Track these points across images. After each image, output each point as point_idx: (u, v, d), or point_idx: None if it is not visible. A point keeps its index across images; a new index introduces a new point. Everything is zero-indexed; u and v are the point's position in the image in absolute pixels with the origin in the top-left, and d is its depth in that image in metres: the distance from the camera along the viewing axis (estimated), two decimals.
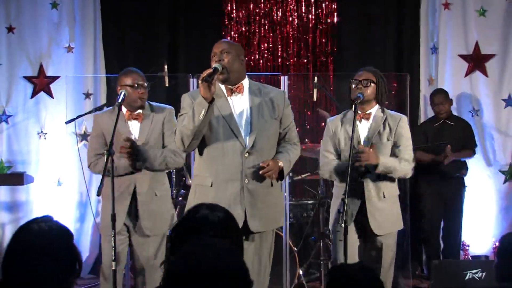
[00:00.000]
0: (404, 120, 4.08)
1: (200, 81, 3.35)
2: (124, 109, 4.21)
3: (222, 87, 3.61)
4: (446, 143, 5.58)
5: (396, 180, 4.09)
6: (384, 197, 3.98)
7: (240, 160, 3.54)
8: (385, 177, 3.98)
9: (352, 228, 4.01)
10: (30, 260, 2.14)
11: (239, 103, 3.61)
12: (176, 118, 3.83)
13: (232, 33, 6.57)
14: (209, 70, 3.37)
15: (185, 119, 3.45)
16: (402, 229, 4.19)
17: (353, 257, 4.01)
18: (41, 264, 2.13)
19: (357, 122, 3.99)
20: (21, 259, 2.15)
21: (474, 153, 5.80)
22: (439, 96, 5.79)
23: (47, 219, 2.25)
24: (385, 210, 4.01)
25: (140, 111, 4.23)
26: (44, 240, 2.17)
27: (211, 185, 3.57)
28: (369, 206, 3.96)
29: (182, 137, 3.47)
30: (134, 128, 4.23)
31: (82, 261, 2.28)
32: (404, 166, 3.99)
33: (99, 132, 4.29)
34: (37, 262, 2.13)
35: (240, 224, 3.50)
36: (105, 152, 3.85)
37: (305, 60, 6.58)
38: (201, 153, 3.64)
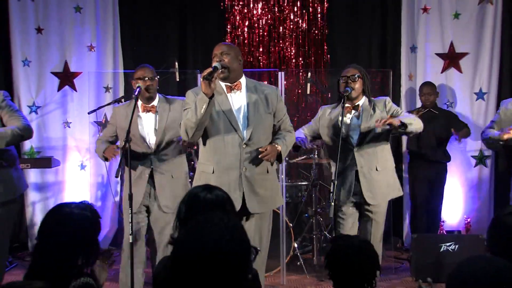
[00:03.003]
0: (388, 99, 4.12)
1: (201, 79, 3.34)
2: (139, 102, 4.20)
3: (223, 85, 3.60)
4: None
5: (388, 152, 4.11)
6: (377, 170, 4.02)
7: (239, 150, 3.54)
8: (376, 151, 4.01)
9: (349, 202, 4.05)
10: (54, 241, 2.10)
11: (238, 100, 3.61)
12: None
13: (233, 34, 6.54)
14: (210, 69, 3.36)
15: (189, 113, 3.45)
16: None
17: (354, 228, 4.07)
18: (62, 246, 2.09)
19: (347, 113, 4.03)
20: (48, 239, 2.12)
21: (469, 130, 5.75)
22: (428, 87, 5.81)
23: (82, 206, 2.18)
24: (378, 181, 4.03)
25: (153, 103, 4.22)
26: (70, 225, 2.12)
27: (213, 172, 3.58)
28: (361, 179, 4.00)
29: (186, 129, 3.47)
30: (148, 119, 4.22)
31: (99, 252, 2.22)
32: (417, 120, 3.96)
33: (113, 122, 4.34)
34: (59, 244, 2.10)
35: (238, 207, 3.51)
36: (123, 140, 3.86)
37: (300, 58, 6.55)
38: (204, 144, 3.64)
